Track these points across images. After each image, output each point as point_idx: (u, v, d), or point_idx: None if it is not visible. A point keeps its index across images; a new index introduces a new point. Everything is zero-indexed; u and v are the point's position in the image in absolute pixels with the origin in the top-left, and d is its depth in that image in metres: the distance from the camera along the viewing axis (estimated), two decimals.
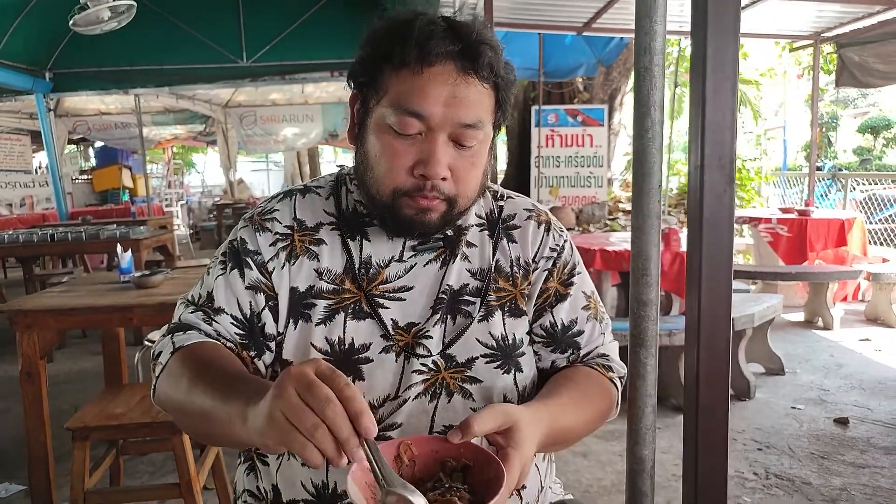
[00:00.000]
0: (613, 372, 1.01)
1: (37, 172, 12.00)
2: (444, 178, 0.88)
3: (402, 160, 0.87)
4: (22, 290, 5.47)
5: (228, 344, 0.92)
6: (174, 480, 2.11)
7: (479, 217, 1.02)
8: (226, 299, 0.93)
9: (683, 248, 3.58)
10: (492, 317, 0.97)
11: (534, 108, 7.21)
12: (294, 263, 0.94)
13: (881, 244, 6.77)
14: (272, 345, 0.94)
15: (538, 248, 1.01)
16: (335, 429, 0.63)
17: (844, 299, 5.63)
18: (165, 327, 0.98)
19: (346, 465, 0.66)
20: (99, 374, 3.33)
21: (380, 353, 0.93)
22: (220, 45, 6.43)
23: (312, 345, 0.92)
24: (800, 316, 5.22)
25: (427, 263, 0.97)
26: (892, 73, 5.66)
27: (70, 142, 11.75)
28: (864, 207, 7.32)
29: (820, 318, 4.98)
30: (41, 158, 11.94)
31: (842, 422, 3.19)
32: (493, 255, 1.00)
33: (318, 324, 0.93)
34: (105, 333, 2.95)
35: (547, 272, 1.01)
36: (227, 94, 9.88)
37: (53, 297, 2.57)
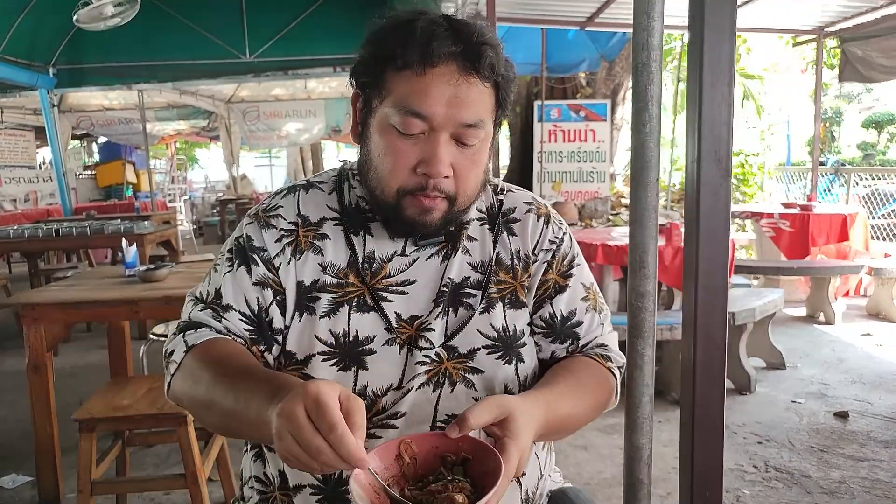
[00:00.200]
0: (612, 362, 1.03)
1: (41, 168, 12.05)
2: (446, 177, 0.90)
3: (405, 159, 0.89)
4: (27, 285, 5.51)
5: (239, 340, 0.94)
6: (179, 472, 2.14)
7: (480, 211, 1.04)
8: (234, 296, 0.95)
9: None
10: (493, 309, 0.98)
11: (536, 104, 7.20)
12: (299, 258, 0.96)
13: (883, 239, 6.77)
14: (280, 338, 0.96)
15: (538, 241, 1.03)
16: (331, 467, 0.69)
17: (846, 294, 5.64)
18: (173, 324, 1.01)
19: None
20: (103, 368, 3.37)
21: (383, 345, 0.95)
22: (223, 41, 6.44)
23: (317, 337, 0.94)
24: (802, 311, 5.23)
25: (429, 257, 0.99)
26: (894, 67, 5.65)
27: (74, 137, 11.80)
28: (866, 203, 7.32)
29: (822, 313, 4.99)
30: (45, 154, 11.97)
31: (842, 416, 3.20)
32: (494, 248, 1.02)
33: (322, 316, 0.95)
34: (110, 327, 2.98)
35: (546, 264, 1.03)
36: (230, 90, 9.90)
37: (61, 291, 2.60)
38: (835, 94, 18.19)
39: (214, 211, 12.84)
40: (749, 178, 8.64)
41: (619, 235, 4.00)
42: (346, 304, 0.95)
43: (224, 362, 0.87)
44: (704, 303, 0.99)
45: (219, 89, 9.58)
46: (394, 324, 0.95)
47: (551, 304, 1.02)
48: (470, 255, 1.01)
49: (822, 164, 9.49)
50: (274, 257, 0.96)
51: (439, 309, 0.96)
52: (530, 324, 1.02)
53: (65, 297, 2.48)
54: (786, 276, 5.29)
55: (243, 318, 0.95)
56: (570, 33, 6.30)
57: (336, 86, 9.68)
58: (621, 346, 1.07)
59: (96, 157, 14.36)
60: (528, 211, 1.05)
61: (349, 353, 0.94)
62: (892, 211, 7.30)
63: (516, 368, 0.98)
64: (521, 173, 7.74)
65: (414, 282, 0.98)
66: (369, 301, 0.96)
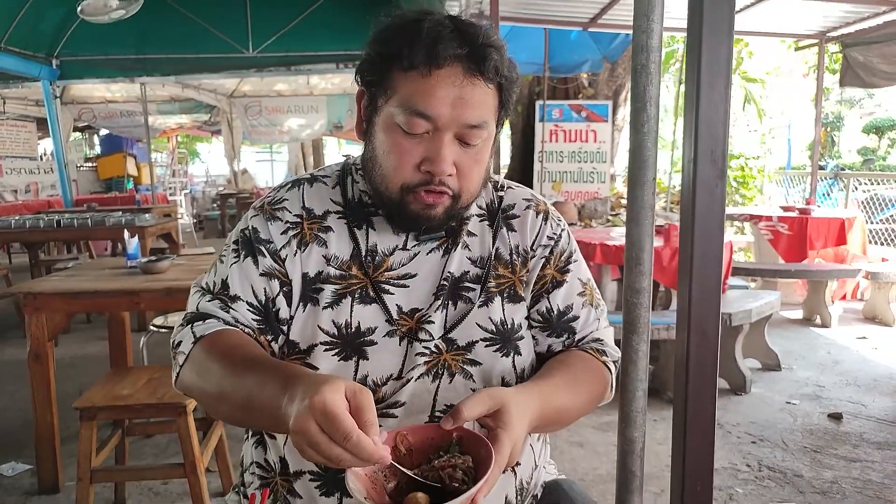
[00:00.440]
0: (607, 356, 1.05)
1: (42, 159, 12.04)
2: (449, 175, 0.92)
3: (409, 157, 0.91)
4: (27, 276, 5.52)
5: (247, 330, 0.95)
6: (178, 461, 2.16)
7: (480, 207, 1.06)
8: (241, 287, 0.97)
9: None
10: (491, 302, 1.01)
11: (538, 104, 7.22)
12: (304, 250, 0.98)
13: (882, 244, 6.79)
14: (286, 328, 0.98)
15: (536, 237, 1.05)
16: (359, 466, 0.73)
17: (843, 298, 5.67)
18: (172, 316, 1.02)
19: None
20: (103, 359, 3.39)
21: (384, 336, 0.97)
22: (227, 35, 6.46)
23: (320, 327, 0.96)
24: (798, 313, 5.25)
25: (430, 252, 1.01)
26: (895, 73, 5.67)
27: (75, 129, 11.82)
28: (865, 207, 7.34)
29: (818, 316, 5.02)
30: (46, 145, 11.97)
31: (835, 417, 3.23)
32: (493, 243, 1.04)
33: (325, 307, 0.97)
34: (111, 318, 3.00)
35: (544, 259, 1.05)
36: (232, 84, 9.92)
37: (62, 281, 2.62)
38: (836, 98, 18.20)
39: (215, 205, 12.84)
40: (749, 181, 8.66)
41: (618, 235, 4.02)
42: (349, 295, 0.98)
43: (233, 353, 0.89)
44: (698, 300, 1.01)
45: (221, 83, 9.60)
46: (395, 316, 0.98)
47: (548, 298, 1.04)
48: (470, 249, 1.03)
49: (822, 168, 9.51)
50: (280, 249, 0.98)
51: (439, 302, 0.99)
52: (528, 317, 1.04)
53: (66, 286, 2.50)
54: (783, 279, 5.32)
55: (251, 309, 0.96)
56: (572, 34, 6.31)
57: (338, 82, 9.70)
58: (617, 342, 1.09)
59: (97, 150, 14.36)
60: (528, 207, 1.07)
61: (351, 344, 0.96)
62: (891, 216, 7.32)
63: (514, 361, 1.00)
64: (522, 172, 7.75)
65: (415, 275, 1.00)
66: (371, 293, 0.98)
